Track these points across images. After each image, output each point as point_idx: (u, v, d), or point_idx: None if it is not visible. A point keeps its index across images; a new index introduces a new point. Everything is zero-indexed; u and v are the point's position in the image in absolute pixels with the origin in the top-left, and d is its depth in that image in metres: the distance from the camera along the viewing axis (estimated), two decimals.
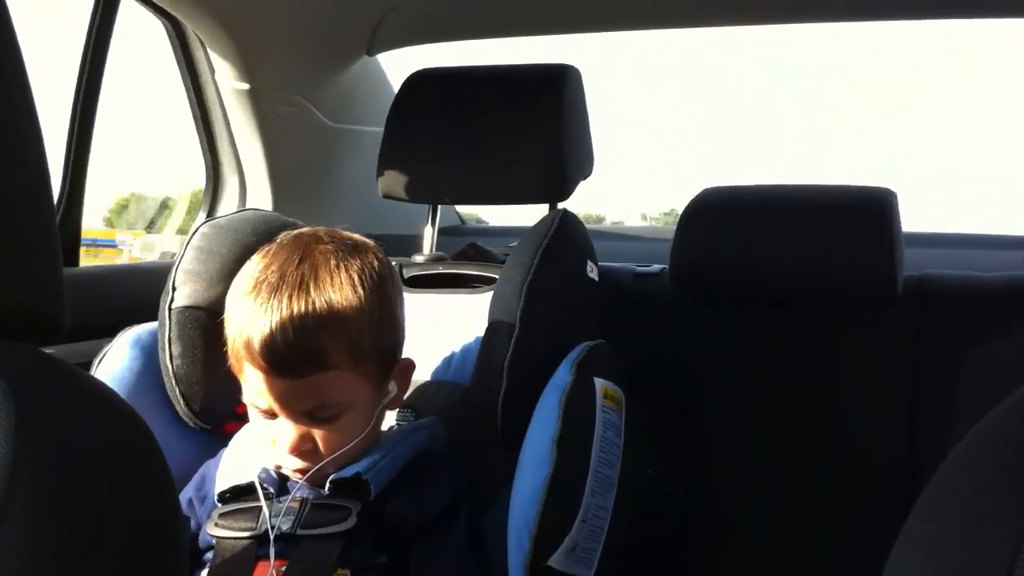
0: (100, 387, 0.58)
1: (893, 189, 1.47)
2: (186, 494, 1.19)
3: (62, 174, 1.50)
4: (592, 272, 1.32)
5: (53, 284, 0.58)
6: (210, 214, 1.86)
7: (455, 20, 1.83)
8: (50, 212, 0.59)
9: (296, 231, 1.18)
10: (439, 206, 1.59)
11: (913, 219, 1.54)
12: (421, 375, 1.33)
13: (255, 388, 1.09)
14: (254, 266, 1.12)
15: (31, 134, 0.57)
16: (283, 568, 1.06)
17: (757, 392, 1.48)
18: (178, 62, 1.74)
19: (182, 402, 1.22)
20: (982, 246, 1.89)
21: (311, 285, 1.08)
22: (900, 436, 1.42)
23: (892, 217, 1.41)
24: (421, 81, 1.54)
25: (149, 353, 1.24)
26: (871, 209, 1.43)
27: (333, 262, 1.10)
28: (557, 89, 1.45)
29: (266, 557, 1.07)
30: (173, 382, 1.21)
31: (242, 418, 1.21)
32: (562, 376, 1.12)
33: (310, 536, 1.08)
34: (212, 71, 1.73)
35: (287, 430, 1.08)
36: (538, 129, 1.44)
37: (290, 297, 1.06)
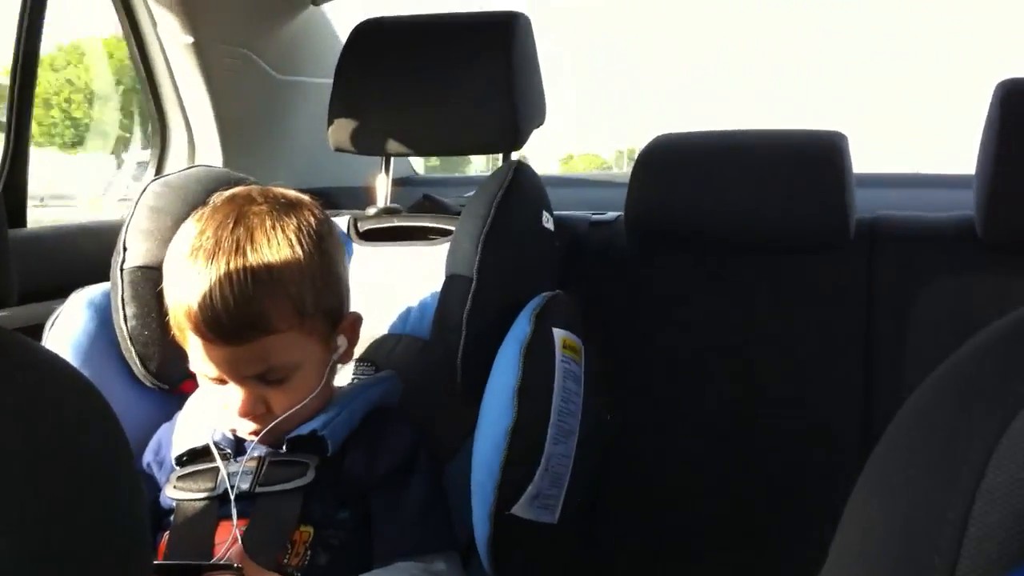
0: (50, 355, 0.57)
1: (844, 132, 1.48)
2: (145, 458, 1.19)
3: (4, 135, 1.47)
4: (548, 222, 1.32)
5: None
6: (159, 171, 1.82)
7: None
8: None
9: (228, 192, 1.15)
10: (392, 158, 1.57)
11: (866, 160, 1.55)
12: (379, 329, 1.32)
13: (200, 356, 1.08)
14: (189, 232, 1.10)
15: None
16: (244, 527, 1.06)
17: (714, 338, 1.50)
18: (119, 15, 1.69)
19: (138, 363, 1.21)
20: (933, 186, 1.92)
21: (248, 248, 1.06)
22: (856, 376, 1.44)
23: (843, 160, 1.42)
24: (368, 31, 1.52)
25: (103, 314, 1.23)
26: (822, 152, 1.44)
27: (269, 222, 1.09)
28: (507, 37, 1.44)
29: (227, 517, 1.07)
30: (128, 343, 1.20)
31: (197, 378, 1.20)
32: (521, 327, 1.13)
33: (269, 493, 1.08)
34: (155, 24, 1.69)
35: (237, 395, 1.08)
36: (489, 78, 1.43)
37: (227, 263, 1.05)
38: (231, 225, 1.07)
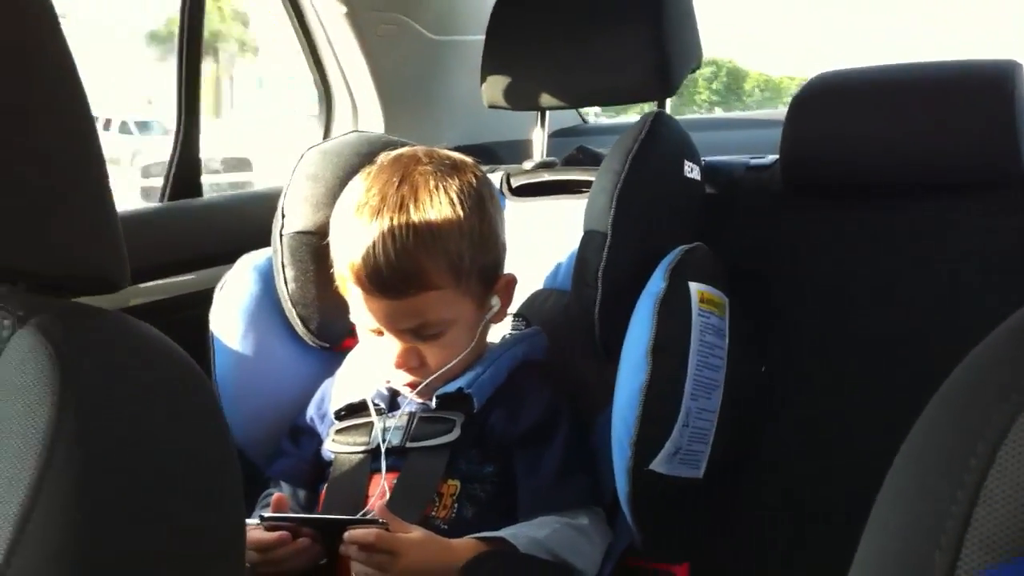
0: (153, 340, 0.60)
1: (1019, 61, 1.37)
2: (309, 412, 1.26)
3: (176, 111, 1.56)
4: (692, 172, 1.29)
5: (108, 238, 0.60)
6: (325, 137, 1.90)
7: None
8: (101, 173, 0.61)
9: (395, 152, 1.19)
10: (548, 111, 1.56)
11: None
12: (533, 284, 1.34)
13: (360, 308, 1.13)
14: (355, 189, 1.15)
15: (72, 82, 0.59)
16: (394, 480, 1.11)
17: (874, 287, 1.41)
18: None
19: (299, 323, 1.28)
20: None
21: (411, 206, 1.10)
22: None
23: (1014, 89, 1.31)
24: None
25: (267, 278, 1.30)
26: (993, 82, 1.33)
27: (432, 182, 1.12)
28: None
29: (379, 470, 1.12)
30: (289, 304, 1.27)
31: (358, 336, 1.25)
32: (656, 283, 1.11)
33: (419, 448, 1.13)
34: None
35: (393, 347, 1.12)
36: (638, 26, 1.40)
37: (391, 219, 1.09)
38: (396, 183, 1.11)
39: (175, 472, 0.55)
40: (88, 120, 0.60)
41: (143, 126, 6.53)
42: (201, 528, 0.56)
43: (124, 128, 6.48)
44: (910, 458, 0.41)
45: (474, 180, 1.16)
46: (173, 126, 1.57)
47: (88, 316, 0.58)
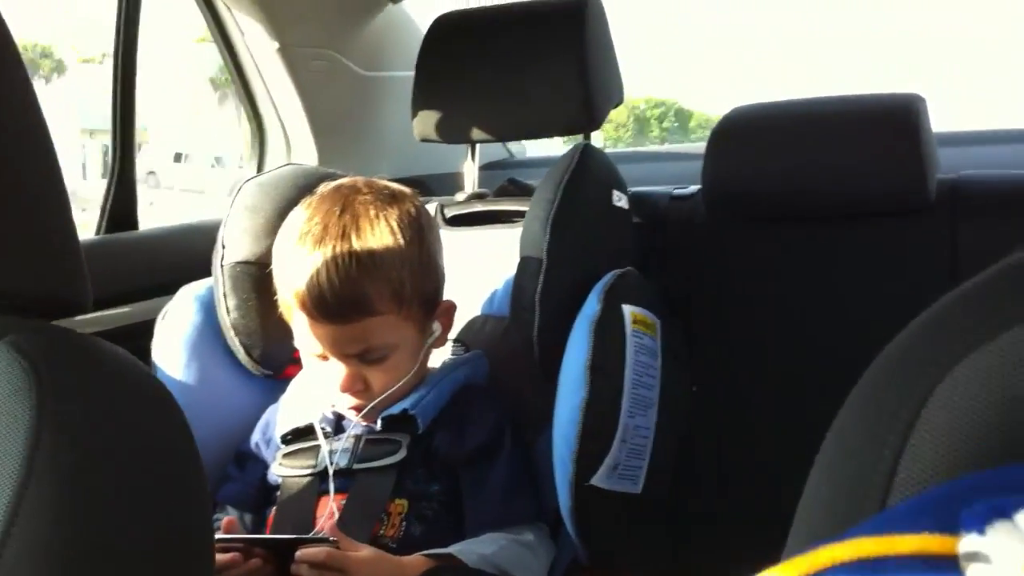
0: (120, 357, 0.63)
1: (922, 95, 1.46)
2: (254, 438, 1.28)
3: (110, 143, 1.57)
4: (620, 201, 1.35)
5: (71, 263, 0.63)
6: (259, 170, 1.92)
7: None
8: (62, 196, 0.63)
9: (336, 182, 1.22)
10: (478, 144, 1.61)
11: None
12: (470, 311, 1.38)
13: (305, 334, 1.15)
14: (298, 218, 1.18)
15: (33, 117, 0.62)
16: (343, 501, 1.14)
17: (794, 308, 1.49)
18: (210, 29, 1.78)
19: (242, 351, 1.29)
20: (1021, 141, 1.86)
21: (353, 234, 1.13)
22: None
23: (919, 121, 1.40)
24: (446, 23, 1.56)
25: (208, 308, 1.31)
26: (897, 115, 1.42)
27: (373, 211, 1.15)
28: (579, 21, 1.46)
29: (327, 492, 1.15)
30: (232, 333, 1.28)
31: (300, 362, 1.27)
32: (591, 305, 1.16)
33: (366, 469, 1.15)
34: (243, 34, 1.78)
35: (338, 371, 1.15)
36: (563, 63, 1.46)
37: (334, 247, 1.12)
38: (338, 212, 1.14)
39: (148, 478, 0.58)
40: (49, 145, 0.63)
41: (219, 160, 8.02)
42: (175, 529, 0.59)
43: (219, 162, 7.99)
44: (835, 435, 0.47)
45: (413, 209, 1.20)
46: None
47: (59, 335, 0.61)
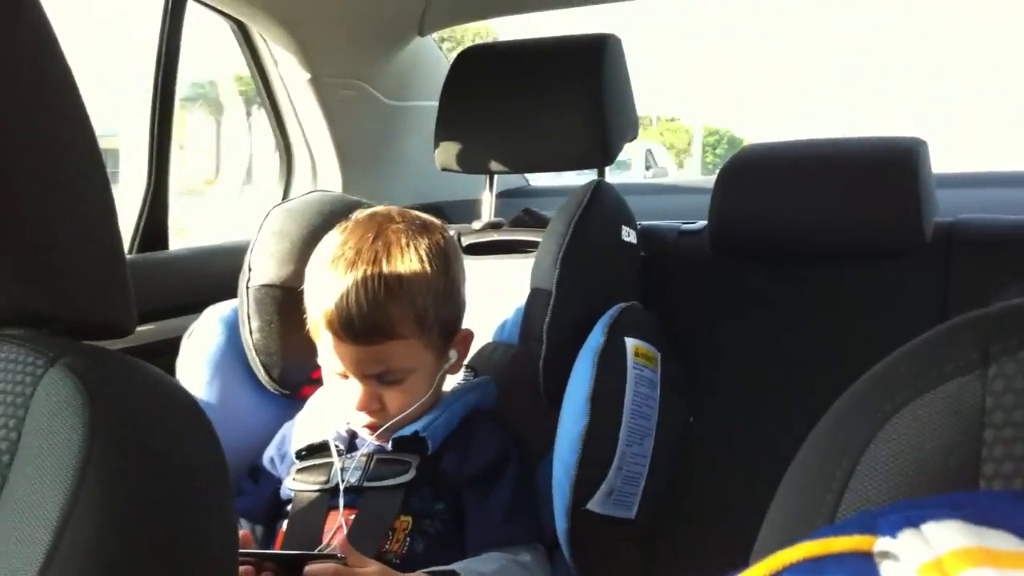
0: (161, 378, 0.69)
1: (924, 139, 1.50)
2: (268, 453, 1.33)
3: (147, 166, 1.64)
4: (628, 236, 1.40)
5: (120, 290, 0.69)
6: (285, 196, 1.98)
7: None
8: (114, 224, 0.69)
9: (370, 210, 1.28)
10: (496, 174, 1.66)
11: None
12: (482, 337, 1.43)
13: (329, 352, 1.21)
14: (332, 242, 1.23)
15: (88, 144, 0.68)
16: (351, 516, 1.19)
17: (791, 346, 1.51)
18: (246, 59, 1.86)
19: (262, 371, 1.35)
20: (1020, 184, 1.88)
21: (384, 260, 1.18)
22: None
23: (918, 164, 1.44)
24: (470, 57, 1.62)
25: (232, 328, 1.38)
26: (898, 158, 1.45)
27: (404, 240, 1.21)
28: (597, 59, 1.51)
29: (337, 507, 1.20)
30: (253, 353, 1.34)
31: (317, 383, 1.33)
32: (596, 337, 1.22)
33: (375, 488, 1.21)
34: (276, 64, 1.85)
35: (357, 390, 1.20)
36: (581, 99, 1.51)
37: (364, 271, 1.17)
38: (371, 239, 1.20)
39: (186, 486, 0.64)
40: (103, 172, 0.69)
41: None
42: (207, 534, 0.65)
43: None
44: (792, 472, 0.53)
45: (441, 240, 1.25)
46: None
47: (106, 357, 0.67)
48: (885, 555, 0.36)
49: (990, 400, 0.47)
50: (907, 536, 0.36)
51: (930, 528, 0.36)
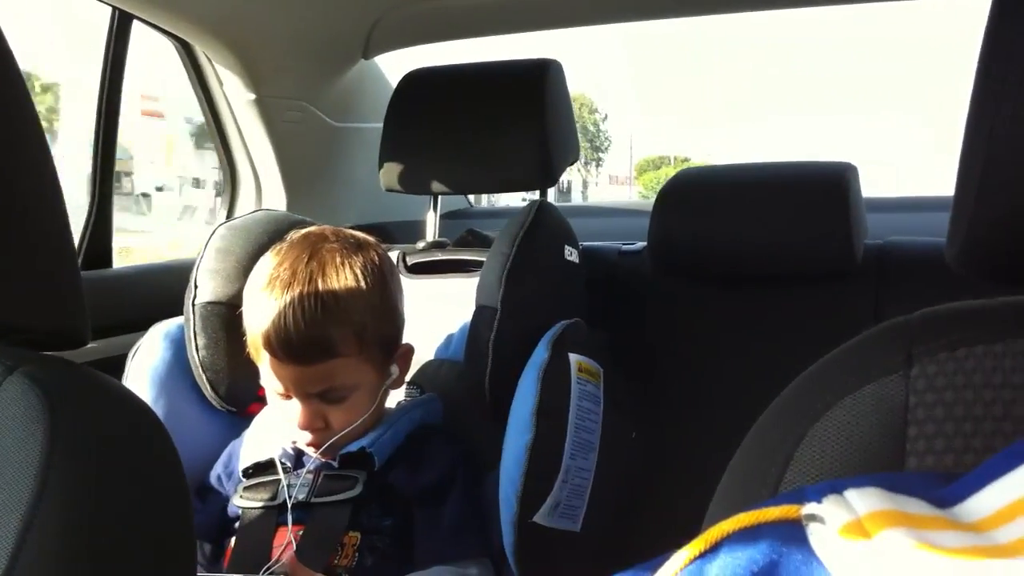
0: (119, 388, 0.70)
1: (854, 164, 1.56)
2: (215, 471, 1.33)
3: (90, 184, 1.63)
4: (571, 255, 1.44)
5: (74, 300, 0.70)
6: (229, 215, 1.98)
7: (443, 23, 1.92)
8: (68, 235, 0.70)
9: (304, 230, 1.29)
10: (439, 195, 1.69)
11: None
12: (426, 355, 1.45)
13: (271, 373, 1.22)
14: (268, 263, 1.24)
15: (43, 160, 0.68)
16: (299, 532, 1.20)
17: (731, 363, 1.56)
18: (190, 79, 1.86)
19: (209, 388, 1.36)
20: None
21: (319, 280, 1.20)
22: None
23: (848, 189, 1.49)
24: (414, 80, 1.64)
25: (178, 345, 1.38)
26: (828, 183, 1.51)
27: (338, 259, 1.22)
28: (540, 83, 1.55)
29: (285, 523, 1.20)
30: (200, 370, 1.35)
31: (264, 400, 1.33)
32: (540, 353, 1.24)
33: (323, 503, 1.21)
34: (221, 84, 1.86)
35: (300, 410, 1.21)
36: (523, 122, 1.54)
37: (301, 292, 1.18)
38: (306, 259, 1.21)
39: (146, 492, 0.65)
40: (57, 186, 0.69)
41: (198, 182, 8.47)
42: (167, 538, 0.67)
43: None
44: (731, 469, 0.57)
45: (376, 257, 1.27)
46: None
47: (65, 366, 0.67)
48: (812, 518, 0.40)
49: (913, 398, 0.52)
50: (831, 501, 0.40)
51: (852, 494, 0.40)
